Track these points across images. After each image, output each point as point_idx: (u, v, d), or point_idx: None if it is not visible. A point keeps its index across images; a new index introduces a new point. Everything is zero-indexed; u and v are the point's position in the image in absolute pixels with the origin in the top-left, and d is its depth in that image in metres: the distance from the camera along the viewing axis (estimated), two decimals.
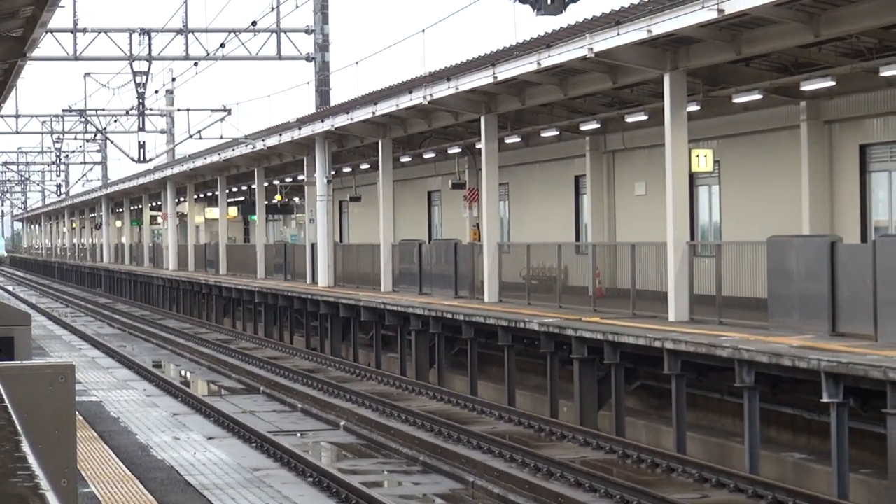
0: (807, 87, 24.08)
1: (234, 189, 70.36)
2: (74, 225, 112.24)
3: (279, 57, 47.91)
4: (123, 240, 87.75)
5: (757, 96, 25.45)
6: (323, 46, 48.59)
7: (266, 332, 45.95)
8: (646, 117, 29.64)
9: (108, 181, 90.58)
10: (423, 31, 35.02)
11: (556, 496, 17.78)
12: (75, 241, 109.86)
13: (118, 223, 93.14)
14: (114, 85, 65.73)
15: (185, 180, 65.21)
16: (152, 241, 79.03)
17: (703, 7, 19.90)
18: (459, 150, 40.53)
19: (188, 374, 36.53)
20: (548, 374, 25.89)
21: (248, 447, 22.96)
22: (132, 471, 15.17)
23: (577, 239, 36.76)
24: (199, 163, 57.73)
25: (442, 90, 29.92)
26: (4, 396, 5.01)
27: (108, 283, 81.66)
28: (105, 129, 62.54)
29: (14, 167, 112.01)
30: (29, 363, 6.14)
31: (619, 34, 22.18)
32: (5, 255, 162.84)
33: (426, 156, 43.22)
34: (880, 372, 16.09)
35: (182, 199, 72.59)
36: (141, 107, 47.32)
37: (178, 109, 59.51)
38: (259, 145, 46.52)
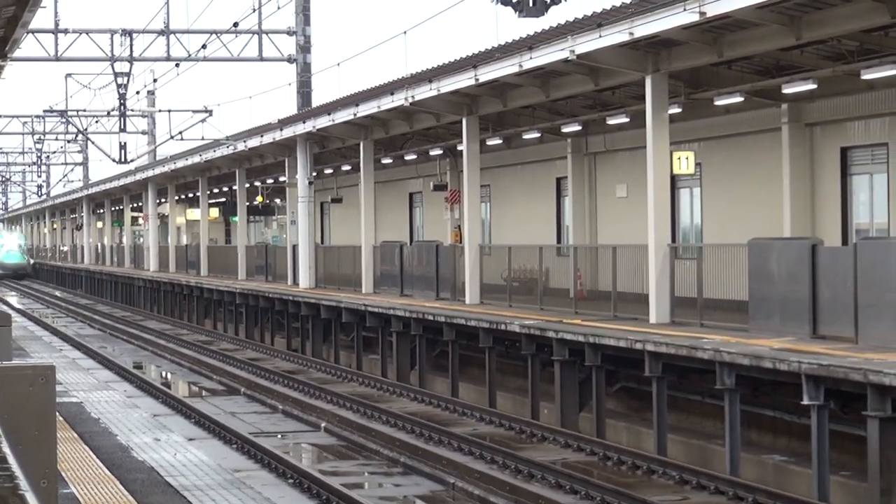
0: (788, 89, 24.11)
1: (216, 190, 70.25)
2: (55, 226, 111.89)
3: (261, 58, 47.84)
4: (105, 241, 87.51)
5: (738, 99, 25.49)
6: (304, 48, 48.55)
7: (247, 333, 45.85)
8: (627, 119, 29.65)
9: (89, 182, 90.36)
10: (405, 32, 34.98)
11: (537, 498, 17.77)
12: (56, 241, 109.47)
13: (99, 224, 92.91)
14: (95, 86, 65.51)
15: (166, 181, 65.09)
16: (132, 242, 78.82)
17: (685, 10, 19.92)
18: (441, 151, 40.53)
19: (169, 376, 36.44)
20: (529, 376, 25.88)
21: (228, 448, 22.91)
22: (112, 472, 15.14)
23: (559, 241, 36.77)
24: (180, 164, 57.63)
25: (423, 92, 29.90)
26: None
27: (88, 284, 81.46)
28: (86, 129, 62.35)
29: None
30: (9, 364, 6.12)
31: (600, 36, 22.17)
32: (28, 262, 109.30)
33: (408, 157, 43.21)
34: (860, 374, 16.12)
35: (163, 200, 72.45)
36: (122, 108, 47.19)
37: (160, 110, 59.42)
38: (240, 146, 46.45)
